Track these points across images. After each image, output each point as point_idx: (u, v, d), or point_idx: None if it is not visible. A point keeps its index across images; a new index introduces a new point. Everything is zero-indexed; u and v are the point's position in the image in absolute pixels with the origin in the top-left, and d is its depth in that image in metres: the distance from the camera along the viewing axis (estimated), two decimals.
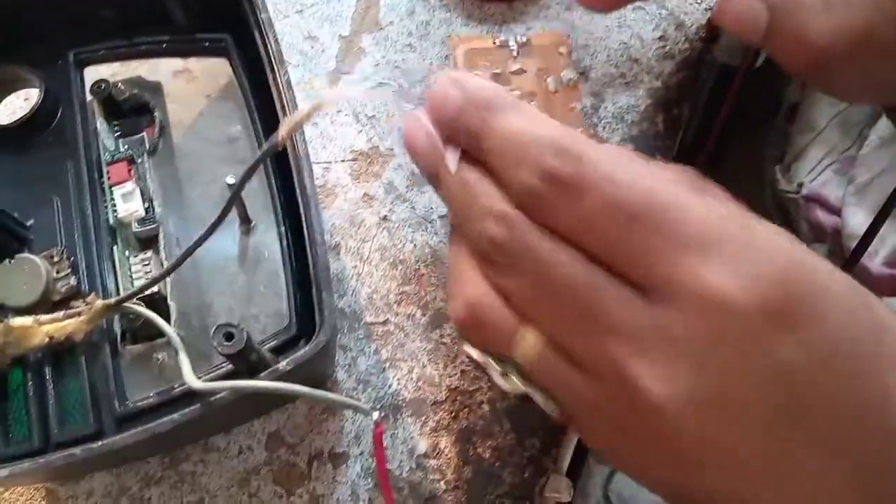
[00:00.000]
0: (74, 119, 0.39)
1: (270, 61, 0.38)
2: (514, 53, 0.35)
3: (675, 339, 0.18)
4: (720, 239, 0.18)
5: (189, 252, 0.33)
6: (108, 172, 0.37)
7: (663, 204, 0.18)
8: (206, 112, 0.44)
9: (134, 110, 0.41)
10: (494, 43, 0.34)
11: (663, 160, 0.43)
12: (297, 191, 0.34)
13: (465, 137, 0.21)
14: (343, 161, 0.43)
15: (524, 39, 0.35)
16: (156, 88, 0.42)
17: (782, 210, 0.57)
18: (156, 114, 0.40)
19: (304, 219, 0.33)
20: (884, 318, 0.19)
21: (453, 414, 0.38)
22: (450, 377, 0.38)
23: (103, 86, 0.39)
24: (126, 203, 0.36)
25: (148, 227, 0.37)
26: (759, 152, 0.64)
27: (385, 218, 0.41)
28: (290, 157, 0.35)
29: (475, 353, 0.22)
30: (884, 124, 0.48)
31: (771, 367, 0.17)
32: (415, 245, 0.41)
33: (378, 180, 0.42)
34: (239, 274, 0.40)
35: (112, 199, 0.37)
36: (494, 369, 0.21)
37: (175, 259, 0.33)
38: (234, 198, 0.33)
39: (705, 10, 0.46)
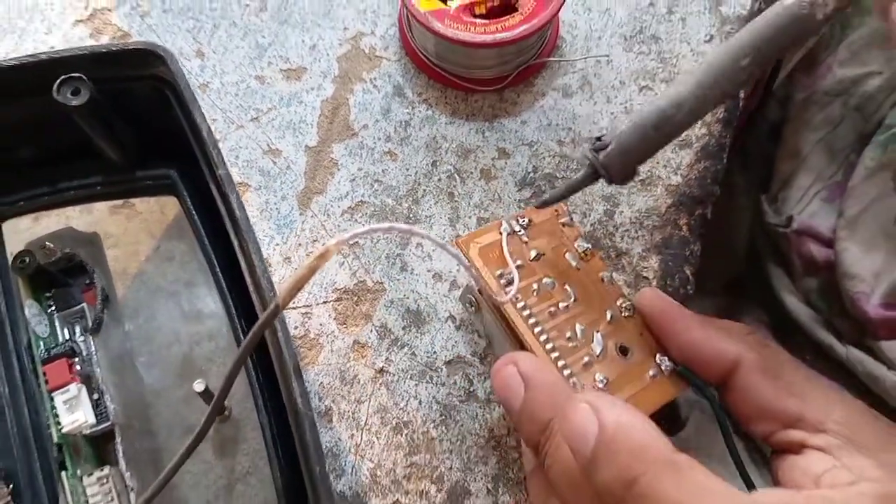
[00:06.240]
0: None
1: (229, 209, 0.31)
2: (525, 239, 0.30)
3: None
4: None
5: (162, 485, 0.26)
6: (44, 374, 0.30)
7: None
8: (155, 255, 0.37)
9: (67, 272, 0.34)
10: (500, 233, 0.29)
11: (691, 272, 0.38)
12: (282, 386, 0.28)
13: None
14: (325, 302, 0.36)
15: (525, 221, 0.31)
16: (91, 241, 0.35)
17: (771, 243, 0.54)
18: (95, 279, 0.33)
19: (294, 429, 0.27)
20: None
21: None
22: None
23: (28, 260, 0.32)
24: (72, 413, 0.29)
25: (102, 427, 0.31)
26: (732, 177, 0.60)
27: (382, 370, 0.35)
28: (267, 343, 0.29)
29: None
30: (870, 153, 0.46)
31: None
32: (420, 402, 0.35)
33: (369, 323, 0.36)
34: (215, 464, 0.33)
35: (54, 409, 0.30)
36: None
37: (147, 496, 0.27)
38: (219, 404, 0.27)
39: None
